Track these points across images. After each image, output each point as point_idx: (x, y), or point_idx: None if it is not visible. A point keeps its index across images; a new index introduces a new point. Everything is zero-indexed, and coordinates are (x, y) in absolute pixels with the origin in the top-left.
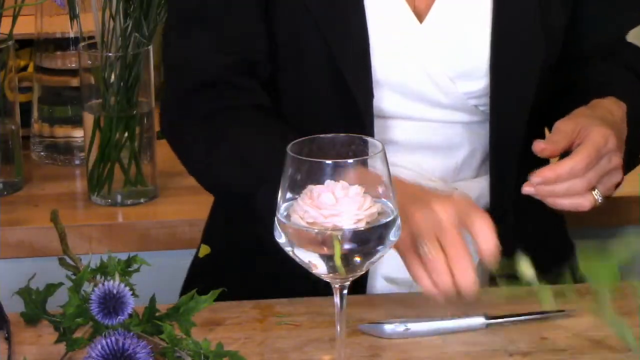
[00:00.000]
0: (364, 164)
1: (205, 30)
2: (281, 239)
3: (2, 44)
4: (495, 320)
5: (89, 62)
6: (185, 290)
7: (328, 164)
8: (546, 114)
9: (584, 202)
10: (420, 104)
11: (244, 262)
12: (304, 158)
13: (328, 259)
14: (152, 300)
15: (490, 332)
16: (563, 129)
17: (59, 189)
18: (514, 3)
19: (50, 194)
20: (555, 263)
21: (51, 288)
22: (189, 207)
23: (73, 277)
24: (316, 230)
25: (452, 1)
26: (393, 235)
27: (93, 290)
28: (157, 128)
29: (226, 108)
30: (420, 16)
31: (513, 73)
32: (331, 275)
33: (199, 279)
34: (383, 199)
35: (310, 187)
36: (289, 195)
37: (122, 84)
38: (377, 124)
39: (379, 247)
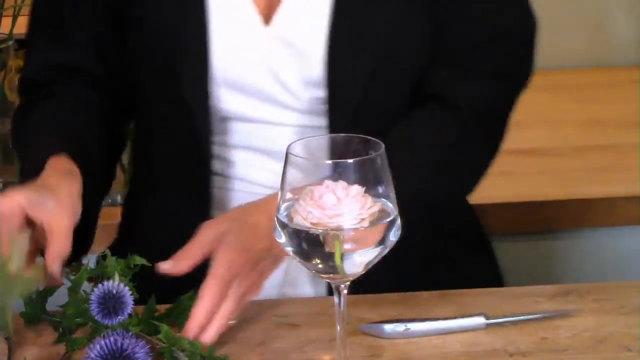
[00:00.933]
0: (364, 163)
1: (41, 32)
2: (281, 239)
3: (2, 44)
4: (495, 320)
5: None
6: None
7: (328, 164)
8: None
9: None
10: (273, 107)
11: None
12: (304, 158)
13: (328, 259)
14: (152, 300)
15: (490, 332)
16: (198, 240)
17: None
18: (353, 10)
19: None
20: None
21: (51, 288)
22: None
23: (73, 277)
24: (320, 231)
25: (295, 5)
26: (393, 235)
27: (93, 290)
28: None
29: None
30: (269, 18)
31: (344, 84)
32: (331, 275)
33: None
34: (383, 199)
35: (310, 187)
36: (288, 195)
37: None
38: (220, 125)
39: (380, 247)
